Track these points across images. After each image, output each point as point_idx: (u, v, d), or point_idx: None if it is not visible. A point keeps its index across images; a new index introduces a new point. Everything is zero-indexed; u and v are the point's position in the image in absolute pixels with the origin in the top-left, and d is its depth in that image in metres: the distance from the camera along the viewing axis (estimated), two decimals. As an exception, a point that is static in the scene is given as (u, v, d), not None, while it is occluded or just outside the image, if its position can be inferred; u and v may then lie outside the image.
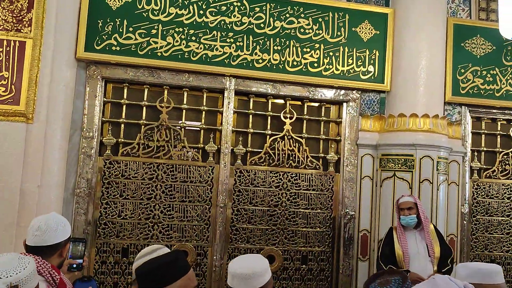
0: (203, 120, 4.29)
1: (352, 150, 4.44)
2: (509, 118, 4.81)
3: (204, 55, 4.16)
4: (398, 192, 4.15)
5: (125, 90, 4.18)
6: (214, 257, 4.14)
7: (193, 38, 4.13)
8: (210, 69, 4.17)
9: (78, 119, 3.98)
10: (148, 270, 1.57)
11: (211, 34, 4.17)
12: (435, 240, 3.64)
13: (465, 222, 4.57)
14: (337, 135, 4.55)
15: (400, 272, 1.86)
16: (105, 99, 4.14)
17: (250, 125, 4.37)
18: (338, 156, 4.48)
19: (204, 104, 4.30)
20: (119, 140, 4.12)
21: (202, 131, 4.27)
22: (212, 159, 4.25)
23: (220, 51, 4.19)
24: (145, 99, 4.19)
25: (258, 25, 4.26)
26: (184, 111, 4.25)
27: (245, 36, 4.23)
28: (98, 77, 4.05)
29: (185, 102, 4.25)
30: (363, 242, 4.35)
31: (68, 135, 3.93)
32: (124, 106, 4.17)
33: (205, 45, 4.16)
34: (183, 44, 4.10)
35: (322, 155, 4.48)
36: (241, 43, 4.22)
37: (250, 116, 4.38)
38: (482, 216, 4.68)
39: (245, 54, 4.23)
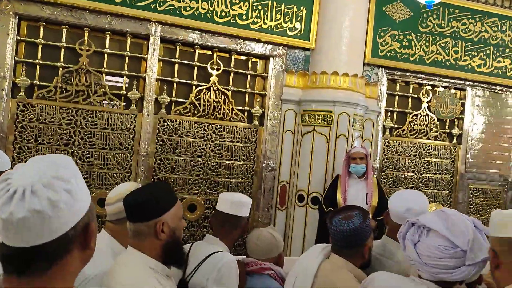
0: (126, 66, 4.15)
1: (276, 105, 4.56)
2: (421, 82, 5.17)
3: (128, -2, 3.98)
4: (317, 145, 4.38)
5: (42, 29, 3.90)
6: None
7: (117, -22, 3.94)
8: (135, 13, 4.02)
9: (-14, 57, 3.68)
10: (142, 201, 1.49)
11: (137, -24, 3.99)
12: (375, 190, 3.97)
13: (374, 176, 4.92)
14: (263, 90, 4.64)
15: (359, 207, 1.96)
16: (19, 38, 3.85)
17: (176, 74, 4.31)
18: (263, 110, 4.58)
19: (128, 49, 4.15)
20: (34, 82, 3.87)
21: (124, 77, 4.14)
22: (135, 107, 4.15)
23: (146, -5, 4.03)
24: (63, 40, 3.95)
25: (187, -29, 4.14)
26: (106, 55, 4.08)
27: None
28: (11, 12, 3.74)
29: (107, 46, 4.08)
30: (282, 192, 4.56)
31: (-26, 74, 3.63)
32: (40, 47, 3.91)
33: (130, -13, 3.98)
34: (106, -17, 3.89)
35: (248, 108, 4.56)
36: (172, -12, 4.09)
37: (176, 65, 4.31)
38: (390, 171, 5.08)
39: (172, 0, 4.11)
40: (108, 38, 4.07)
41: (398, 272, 1.66)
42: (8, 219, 0.79)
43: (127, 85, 4.17)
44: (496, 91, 5.41)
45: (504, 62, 5.33)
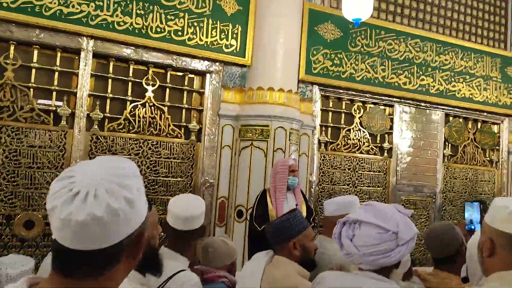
0: (56, 82, 3.99)
1: (214, 120, 4.56)
2: (352, 98, 5.41)
3: (58, 11, 3.86)
4: (255, 160, 4.42)
5: (-39, 42, 3.68)
6: (66, 227, 3.91)
7: (46, -9, 3.82)
8: (66, 27, 3.90)
9: None
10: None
11: (68, -10, 3.90)
12: (303, 202, 4.00)
13: (312, 189, 5.05)
14: (200, 105, 4.63)
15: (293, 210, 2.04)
16: None
17: (110, 89, 4.20)
18: (200, 125, 4.57)
19: (58, 64, 4.00)
20: (-48, 97, 3.62)
21: (54, 93, 3.98)
22: (65, 123, 3.99)
23: (77, 8, 3.94)
24: (-14, 53, 3.75)
25: (120, -14, 4.10)
26: (33, 70, 3.90)
27: (105, -5, 4.04)
28: None
29: (35, 60, 3.91)
30: (221, 208, 4.52)
31: None
32: (-41, 60, 3.68)
33: (60, 1, 3.87)
34: (34, -5, 3.76)
35: (185, 124, 4.53)
36: (101, 3, 4.02)
37: (110, 80, 4.21)
38: (327, 184, 5.22)
39: (105, 14, 4.04)
40: (36, 52, 3.91)
41: (335, 262, 1.81)
42: (66, 219, 0.77)
43: (56, 101, 4.00)
44: (421, 107, 5.77)
45: (427, 80, 5.71)
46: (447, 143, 6.01)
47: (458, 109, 6.00)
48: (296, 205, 3.98)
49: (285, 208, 3.88)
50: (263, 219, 3.78)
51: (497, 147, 6.35)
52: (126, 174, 0.84)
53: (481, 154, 6.27)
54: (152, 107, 4.36)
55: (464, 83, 5.96)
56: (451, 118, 6.04)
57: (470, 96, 6.00)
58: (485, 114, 6.20)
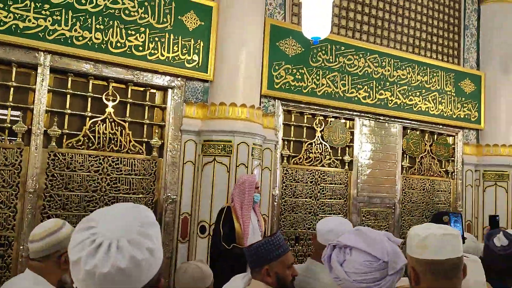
0: (11, 98, 3.87)
1: (176, 136, 4.54)
2: (314, 112, 5.51)
3: (14, 26, 3.76)
4: (218, 175, 4.42)
5: None
6: (22, 247, 3.78)
7: (0, 5, 3.71)
8: (21, 42, 3.80)
9: None
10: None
11: (23, 4, 3.80)
12: (262, 218, 4.11)
13: (275, 203, 5.09)
14: (162, 121, 4.60)
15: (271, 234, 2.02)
16: None
17: (68, 105, 4.11)
18: (162, 141, 4.53)
19: (13, 80, 3.89)
20: None
21: (9, 109, 3.86)
22: (21, 140, 3.87)
23: (33, 23, 3.84)
24: None
25: (78, 1, 4.03)
26: (-13, 85, 3.78)
27: (63, 10, 3.96)
28: None
29: (-12, 75, 3.79)
30: (183, 224, 4.49)
31: None
32: None
33: (16, 15, 3.77)
34: (-13, 9, 3.64)
35: (146, 139, 4.48)
36: (59, 17, 3.94)
37: (68, 96, 4.12)
38: (289, 198, 5.28)
39: (63, 29, 3.96)
40: (-11, 67, 3.79)
41: None
42: (91, 271, 0.80)
43: (12, 117, 3.88)
44: (380, 120, 5.95)
45: (385, 94, 5.89)
46: (405, 155, 6.20)
47: (415, 122, 6.21)
48: (258, 220, 4.03)
49: (251, 226, 3.90)
50: (230, 237, 3.77)
51: (452, 158, 6.61)
52: (147, 223, 0.87)
53: (437, 165, 6.51)
54: (113, 123, 4.29)
55: (420, 97, 6.19)
56: (408, 131, 6.25)
57: (426, 109, 6.23)
58: (440, 126, 6.45)
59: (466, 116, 6.60)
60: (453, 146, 6.63)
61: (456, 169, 6.58)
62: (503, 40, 6.66)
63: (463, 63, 6.78)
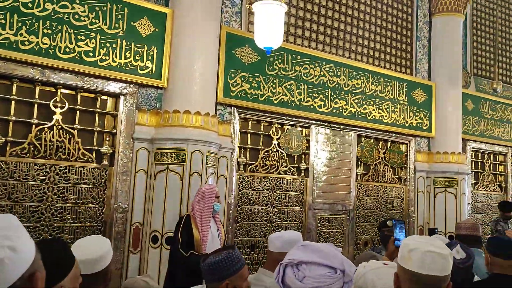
0: (-51, 103, 3.69)
1: (128, 144, 4.44)
2: (270, 120, 5.54)
3: (-47, 28, 3.59)
4: (171, 184, 4.35)
5: None
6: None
7: None
8: (-40, 45, 3.62)
9: None
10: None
11: (-36, 5, 3.63)
12: (222, 227, 4.15)
13: (231, 211, 5.07)
14: (113, 128, 4.49)
15: (227, 247, 1.99)
16: None
17: (12, 112, 3.95)
18: (113, 149, 4.42)
19: (-48, 85, 3.70)
20: None
21: None
22: (-40, 148, 3.68)
23: (-25, 26, 3.68)
24: None
25: (24, 4, 3.89)
26: None
27: (8, 13, 3.81)
28: None
29: None
30: (135, 235, 4.39)
31: None
32: None
33: (-45, 17, 3.60)
34: None
35: (96, 147, 4.36)
36: (3, 21, 3.79)
37: (13, 102, 3.96)
38: (245, 205, 5.27)
39: (7, 33, 3.81)
40: None
41: None
42: None
43: (-50, 124, 3.69)
44: (335, 128, 6.05)
45: (340, 103, 6.00)
46: (359, 162, 6.33)
47: (369, 130, 6.36)
48: (218, 229, 4.05)
49: (210, 234, 3.91)
50: (188, 245, 3.80)
51: (405, 165, 6.80)
52: (6, 226, 0.96)
53: (391, 172, 6.68)
54: (61, 130, 4.15)
55: (374, 105, 6.34)
56: (363, 139, 6.39)
57: (380, 118, 6.39)
58: (393, 134, 6.63)
59: (418, 125, 6.82)
60: (405, 153, 6.82)
61: (409, 175, 6.78)
62: (451, 52, 6.95)
63: (415, 73, 7.02)
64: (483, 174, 7.85)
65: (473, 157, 7.68)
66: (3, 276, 0.91)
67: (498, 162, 8.17)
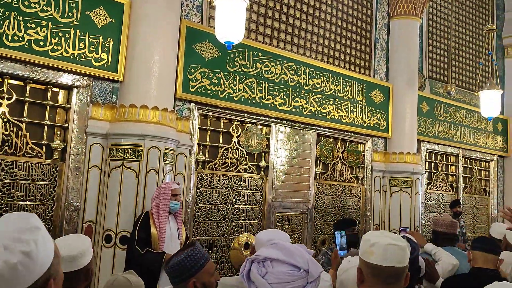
0: None
1: (81, 139, 4.24)
2: (230, 118, 5.46)
3: None
4: (126, 181, 4.19)
5: None
6: None
7: None
8: None
9: None
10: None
11: None
12: (183, 226, 4.13)
13: (188, 210, 4.95)
14: (65, 122, 4.28)
15: (188, 245, 1.94)
16: None
17: (-48, 102, 3.68)
18: (65, 144, 4.21)
19: None
20: None
21: None
22: None
23: None
24: None
25: (-32, -14, 3.63)
26: None
27: (-51, -5, 3.55)
28: None
29: None
30: (87, 233, 4.18)
31: None
32: None
33: None
34: None
35: (46, 142, 4.13)
36: None
37: (-47, 92, 3.69)
38: (204, 204, 5.17)
39: None
40: None
41: None
42: None
43: None
44: (295, 127, 6.05)
45: (301, 102, 6.01)
46: (318, 161, 6.37)
47: (328, 130, 6.41)
48: (178, 228, 3.99)
49: (168, 231, 3.90)
50: (145, 242, 3.78)
51: (362, 165, 6.91)
52: (23, 227, 0.92)
53: (349, 171, 6.77)
54: (7, 123, 3.91)
55: (333, 105, 6.40)
56: (322, 138, 6.43)
57: (339, 117, 6.46)
58: (352, 134, 6.72)
59: (376, 125, 6.94)
60: (363, 153, 6.93)
61: (366, 175, 6.89)
62: (408, 54, 7.13)
63: (374, 75, 7.15)
64: (436, 174, 8.11)
65: (427, 157, 7.91)
66: (15, 282, 0.88)
67: (450, 163, 8.48)
